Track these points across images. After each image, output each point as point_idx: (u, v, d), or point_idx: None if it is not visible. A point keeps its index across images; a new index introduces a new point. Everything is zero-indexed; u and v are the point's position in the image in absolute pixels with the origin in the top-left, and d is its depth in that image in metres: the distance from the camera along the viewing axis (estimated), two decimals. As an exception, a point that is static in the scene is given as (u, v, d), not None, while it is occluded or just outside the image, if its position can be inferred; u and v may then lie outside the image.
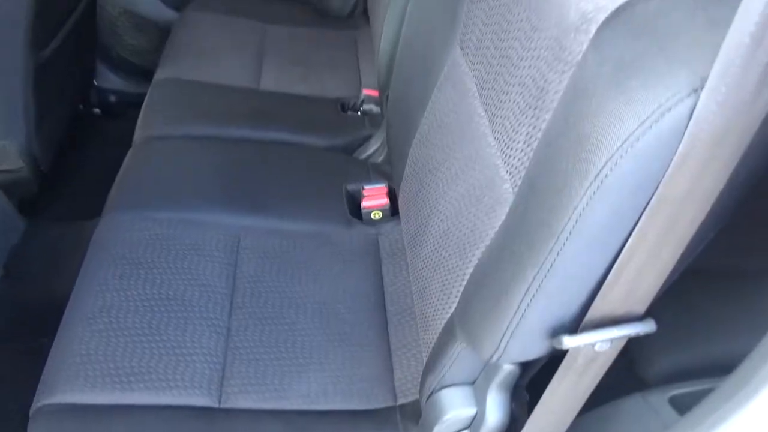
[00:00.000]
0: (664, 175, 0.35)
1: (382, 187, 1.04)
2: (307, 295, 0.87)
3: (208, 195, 0.97)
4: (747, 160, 0.33)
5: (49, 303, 0.91)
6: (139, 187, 0.98)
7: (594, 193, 0.36)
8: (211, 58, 1.33)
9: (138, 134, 1.11)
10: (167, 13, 1.64)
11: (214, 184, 1.00)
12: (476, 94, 0.67)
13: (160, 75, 1.26)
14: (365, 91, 1.27)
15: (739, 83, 0.30)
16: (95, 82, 1.74)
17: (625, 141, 0.35)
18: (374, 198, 1.02)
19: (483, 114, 0.64)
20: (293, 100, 1.26)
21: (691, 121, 0.32)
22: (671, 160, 0.34)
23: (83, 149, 1.61)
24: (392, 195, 1.02)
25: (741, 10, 0.29)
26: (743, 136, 0.32)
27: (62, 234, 1.27)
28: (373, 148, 1.16)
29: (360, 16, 1.61)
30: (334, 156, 1.13)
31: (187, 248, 0.89)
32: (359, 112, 1.26)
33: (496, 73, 0.60)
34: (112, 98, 1.77)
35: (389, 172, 1.06)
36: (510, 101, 0.55)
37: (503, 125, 0.57)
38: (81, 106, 1.72)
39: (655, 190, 0.36)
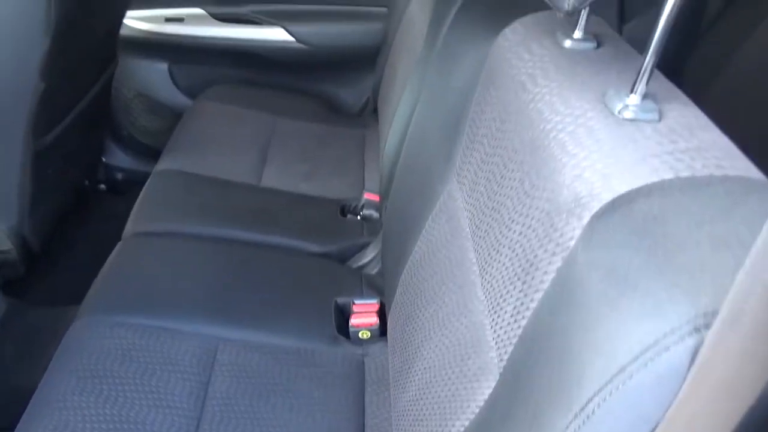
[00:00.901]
0: (662, 418, 0.30)
1: (373, 304, 0.99)
2: (280, 425, 0.80)
3: (190, 301, 0.93)
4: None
5: (14, 392, 0.87)
6: (119, 288, 0.94)
7: (579, 428, 0.31)
8: (216, 150, 1.32)
9: (128, 228, 1.08)
10: (181, 99, 1.66)
11: (197, 290, 0.95)
12: (469, 237, 0.63)
13: (161, 165, 1.25)
14: (366, 196, 1.24)
15: (750, 335, 0.26)
16: (104, 159, 1.74)
17: (616, 376, 0.30)
18: (364, 315, 0.96)
19: (474, 261, 0.60)
20: (293, 199, 1.23)
21: (694, 367, 0.28)
22: (670, 402, 0.29)
23: (82, 226, 1.60)
24: (383, 312, 0.97)
25: (757, 251, 0.25)
26: (755, 386, 0.27)
27: (42, 319, 1.23)
28: (369, 257, 1.12)
29: (371, 114, 1.62)
30: (327, 264, 1.08)
31: (158, 362, 0.83)
32: (359, 217, 1.23)
33: (488, 225, 0.56)
34: (120, 175, 1.77)
35: (382, 286, 1.01)
36: (500, 262, 0.51)
37: (492, 285, 0.52)
38: (86, 182, 1.72)
39: None
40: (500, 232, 0.52)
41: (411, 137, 0.95)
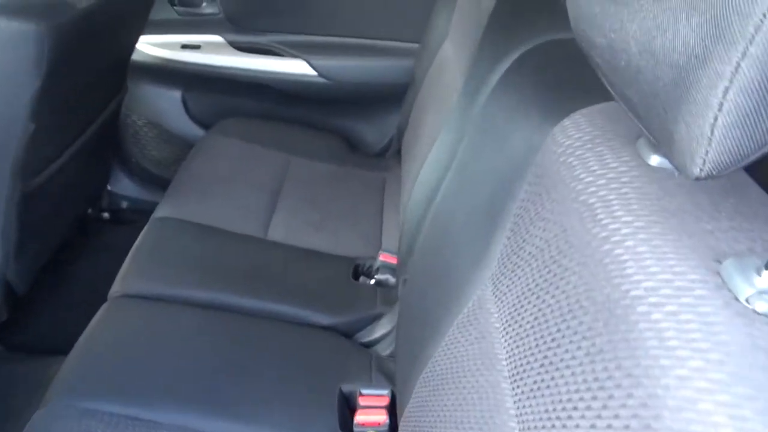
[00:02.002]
0: None
1: (383, 396, 0.86)
2: None
3: (171, 386, 0.81)
4: None
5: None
6: (93, 367, 0.83)
7: None
8: (222, 194, 1.21)
9: (115, 287, 0.97)
10: (193, 130, 1.57)
11: (182, 371, 0.83)
12: (506, 376, 0.50)
13: (160, 211, 1.14)
14: (382, 257, 1.12)
15: None
16: (108, 187, 1.65)
17: None
18: (371, 412, 0.84)
19: (513, 413, 0.47)
20: (301, 257, 1.11)
21: None
22: None
23: (81, 257, 1.50)
24: (393, 405, 0.84)
25: None
26: None
27: (18, 371, 1.12)
28: (381, 333, 0.99)
29: (393, 156, 1.49)
30: (333, 341, 0.96)
31: (128, 464, 0.72)
32: (373, 280, 1.10)
33: (535, 381, 0.43)
34: (124, 204, 1.68)
35: (394, 372, 0.89)
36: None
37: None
38: (89, 210, 1.62)
39: None
40: (552, 403, 0.39)
41: (439, 209, 0.82)
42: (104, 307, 0.93)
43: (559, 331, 0.40)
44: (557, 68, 0.62)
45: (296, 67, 1.46)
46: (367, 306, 1.03)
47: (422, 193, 0.96)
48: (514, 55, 0.71)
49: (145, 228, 1.10)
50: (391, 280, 1.09)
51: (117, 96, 1.35)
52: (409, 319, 0.82)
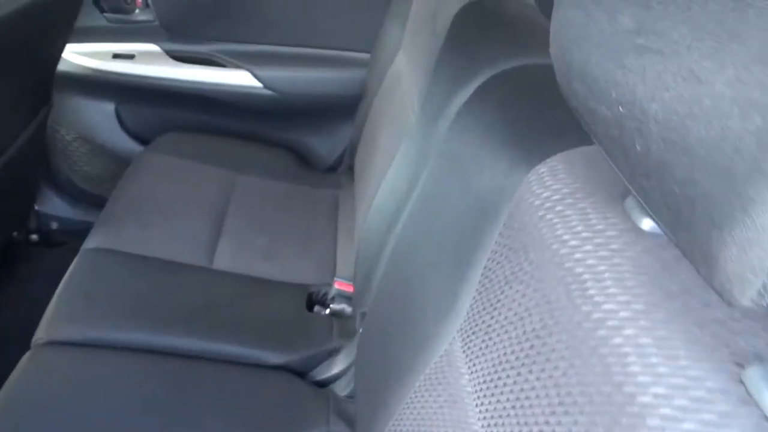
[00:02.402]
0: None
1: (341, 444, 0.80)
2: None
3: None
4: None
5: None
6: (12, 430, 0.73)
7: None
8: (162, 219, 1.12)
9: (39, 334, 0.87)
10: (129, 144, 1.46)
11: (115, 430, 0.75)
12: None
13: (91, 241, 1.04)
14: (338, 285, 1.05)
15: None
16: (36, 207, 1.52)
17: None
18: (329, 462, 0.77)
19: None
20: (249, 286, 1.04)
21: None
22: None
23: (5, 287, 1.37)
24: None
25: None
26: None
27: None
28: (338, 369, 0.93)
29: (346, 172, 1.43)
30: (287, 382, 0.89)
31: None
32: (328, 309, 1.04)
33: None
34: (54, 225, 1.55)
35: (354, 415, 0.83)
36: None
37: None
38: (15, 233, 1.49)
39: None
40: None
41: (399, 239, 0.76)
42: (26, 356, 0.83)
43: (548, 424, 0.35)
44: (527, 100, 0.57)
45: (240, 78, 1.37)
46: (323, 340, 0.97)
47: (380, 218, 0.90)
48: (477, 81, 0.66)
49: (75, 262, 1.00)
50: (347, 309, 1.02)
51: (40, 113, 1.23)
52: (370, 360, 0.76)
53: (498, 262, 0.48)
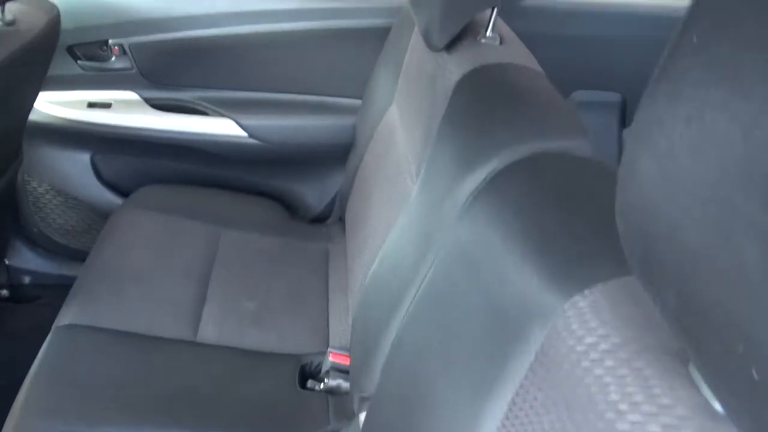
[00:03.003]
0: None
1: None
2: None
3: None
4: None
5: None
6: None
7: None
8: (140, 288, 1.04)
9: (7, 431, 0.79)
10: (106, 196, 1.38)
11: None
12: None
13: (65, 317, 0.96)
14: (332, 357, 0.98)
15: None
16: (6, 261, 1.43)
17: None
18: None
19: None
20: (238, 359, 0.97)
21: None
22: None
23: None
24: None
25: None
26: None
27: None
28: (336, 456, 0.86)
29: (336, 223, 1.37)
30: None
31: None
32: (322, 385, 0.97)
33: None
34: (26, 279, 1.47)
35: None
36: None
37: None
38: (-18, 289, 1.40)
39: None
40: None
41: (404, 334, 0.70)
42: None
43: None
44: (552, 201, 0.52)
45: (223, 127, 1.31)
46: (318, 421, 0.90)
47: (379, 294, 0.84)
48: (489, 167, 0.61)
49: (47, 342, 0.92)
50: (344, 386, 0.96)
51: (10, 168, 1.16)
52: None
53: (531, 407, 0.42)
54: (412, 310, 0.69)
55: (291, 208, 1.45)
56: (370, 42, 1.28)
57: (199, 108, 1.32)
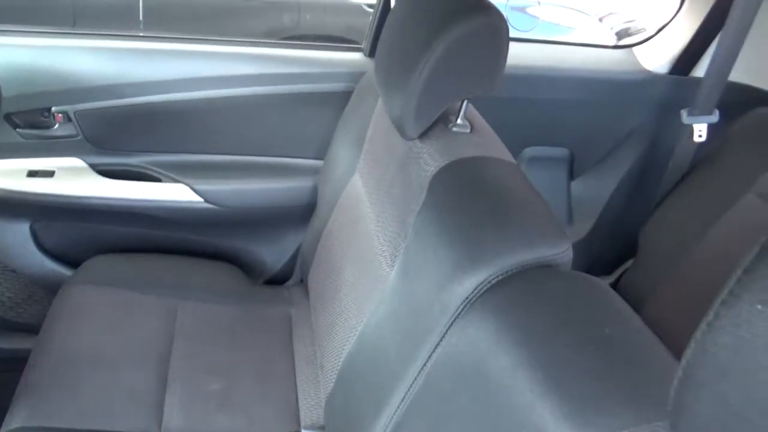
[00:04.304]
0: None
1: None
2: None
3: None
4: None
5: None
6: None
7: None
8: (94, 377, 0.98)
9: None
10: (49, 267, 1.30)
11: None
12: None
13: (12, 421, 0.88)
14: (307, 441, 0.96)
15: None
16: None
17: None
18: None
19: None
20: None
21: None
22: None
23: None
24: None
25: None
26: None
27: None
28: None
29: (297, 285, 1.34)
30: None
31: None
32: (298, 472, 0.94)
33: None
34: (-44, 358, 1.35)
35: None
36: None
37: None
38: None
39: None
40: None
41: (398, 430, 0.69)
42: None
43: None
44: (557, 324, 0.53)
45: (177, 193, 1.26)
46: None
47: (362, 387, 0.82)
48: (480, 276, 0.62)
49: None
50: (321, 472, 0.93)
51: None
52: None
53: None
54: (403, 413, 0.68)
55: (248, 269, 1.41)
56: (330, 105, 1.27)
57: (151, 173, 1.26)
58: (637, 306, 1.39)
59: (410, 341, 0.70)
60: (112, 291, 1.14)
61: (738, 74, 1.38)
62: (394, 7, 0.92)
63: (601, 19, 3.52)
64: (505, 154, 0.80)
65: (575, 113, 1.43)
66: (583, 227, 1.55)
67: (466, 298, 0.61)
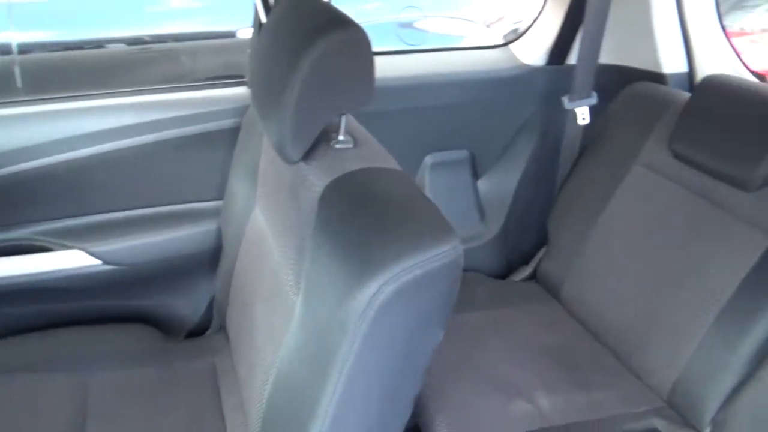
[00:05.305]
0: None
1: None
2: None
3: None
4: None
5: None
6: None
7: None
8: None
9: None
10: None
11: None
12: None
13: None
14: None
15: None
16: None
17: None
18: None
19: None
20: None
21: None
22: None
23: None
24: None
25: None
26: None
27: None
28: None
29: (217, 332, 1.28)
30: None
31: None
32: None
33: None
34: None
35: None
36: None
37: None
38: None
39: None
40: None
41: None
42: None
43: None
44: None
45: (71, 259, 1.19)
46: None
47: (283, 428, 0.79)
48: (371, 288, 0.61)
49: None
50: None
51: None
52: None
53: None
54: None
55: (165, 325, 1.35)
56: (222, 143, 1.25)
57: (40, 244, 1.18)
58: (555, 291, 1.43)
59: (319, 368, 0.68)
60: (11, 378, 1.05)
61: (608, 56, 1.46)
62: (260, 34, 0.91)
63: (489, 26, 3.67)
64: (391, 163, 0.81)
65: (467, 115, 1.46)
66: (495, 224, 1.58)
67: (362, 312, 0.60)
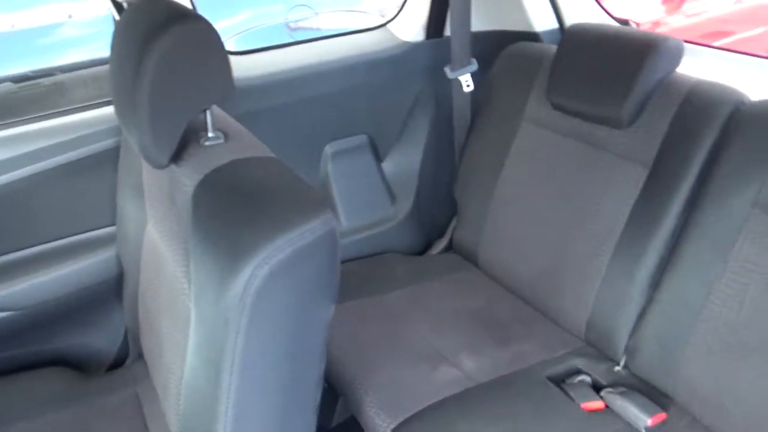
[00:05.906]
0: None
1: None
2: None
3: None
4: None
5: None
6: None
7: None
8: None
9: None
10: None
11: None
12: None
13: None
14: None
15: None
16: None
17: None
18: None
19: None
20: None
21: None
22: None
23: None
24: None
25: None
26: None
27: None
28: None
29: (137, 361, 1.24)
30: None
31: None
32: None
33: None
34: None
35: None
36: None
37: None
38: None
39: None
40: None
41: None
42: None
43: None
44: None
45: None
46: None
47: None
48: (245, 273, 0.60)
49: None
50: None
51: None
52: None
53: None
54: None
55: (82, 363, 1.29)
56: (106, 165, 1.20)
57: None
58: (472, 257, 1.46)
59: (213, 369, 0.67)
60: None
61: (483, 23, 1.50)
62: (111, 43, 0.88)
63: (383, 15, 3.70)
64: (263, 151, 0.80)
65: (359, 99, 1.47)
66: (406, 202, 1.60)
67: (239, 300, 0.60)
